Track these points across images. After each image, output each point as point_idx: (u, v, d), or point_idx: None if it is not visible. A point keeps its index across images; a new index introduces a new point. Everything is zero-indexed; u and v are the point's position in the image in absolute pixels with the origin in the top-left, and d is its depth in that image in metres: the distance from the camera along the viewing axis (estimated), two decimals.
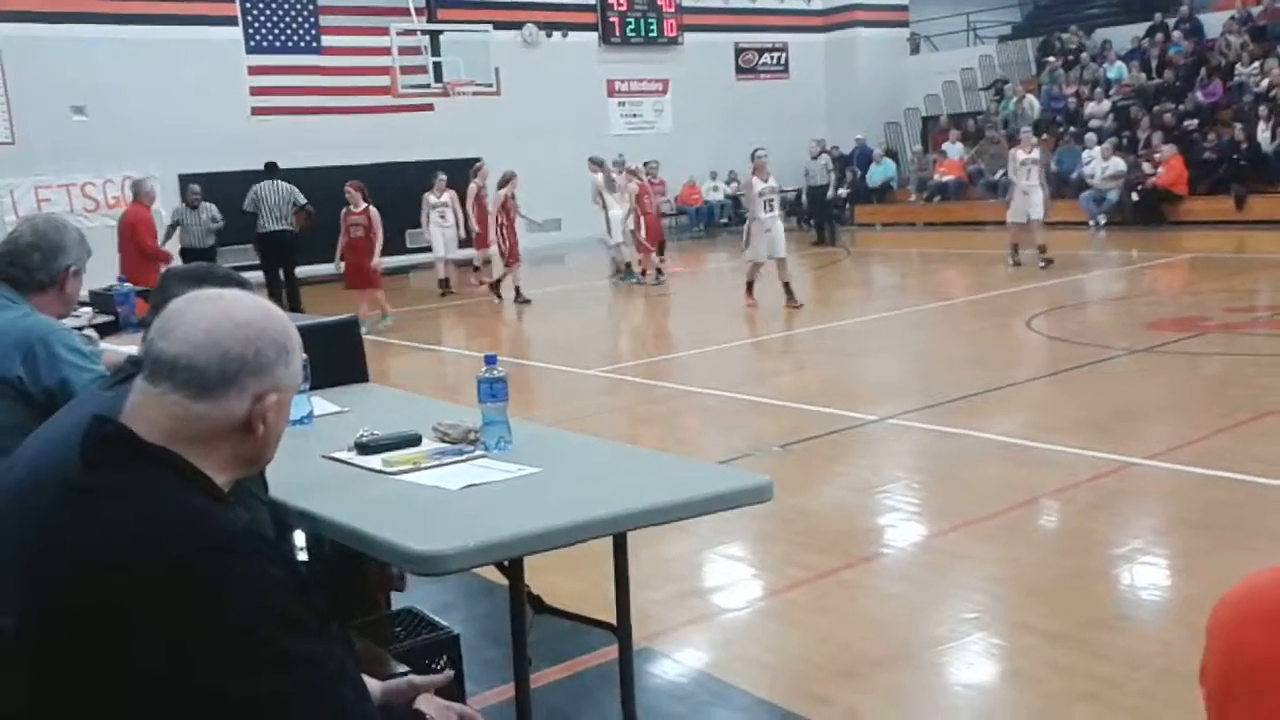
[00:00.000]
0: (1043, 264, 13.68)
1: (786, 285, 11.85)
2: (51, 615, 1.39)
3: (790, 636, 4.03)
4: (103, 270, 6.00)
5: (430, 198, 15.26)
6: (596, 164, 15.55)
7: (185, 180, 14.10)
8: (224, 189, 13.78)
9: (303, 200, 13.15)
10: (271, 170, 13.52)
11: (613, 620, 2.97)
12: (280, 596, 1.38)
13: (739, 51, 24.08)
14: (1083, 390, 7.50)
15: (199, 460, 1.48)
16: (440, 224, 15.21)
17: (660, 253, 15.50)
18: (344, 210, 12.22)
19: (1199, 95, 19.16)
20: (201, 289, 1.62)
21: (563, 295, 14.92)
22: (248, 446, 1.53)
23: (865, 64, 24.48)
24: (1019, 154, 14.23)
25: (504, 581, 2.64)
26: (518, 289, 13.83)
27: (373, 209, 12.10)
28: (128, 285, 5.53)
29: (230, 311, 1.52)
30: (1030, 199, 13.95)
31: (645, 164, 17.05)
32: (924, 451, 6.48)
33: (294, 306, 11.97)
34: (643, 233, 14.93)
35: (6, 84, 16.24)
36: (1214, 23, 20.83)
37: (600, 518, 2.39)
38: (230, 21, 17.96)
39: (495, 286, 14.28)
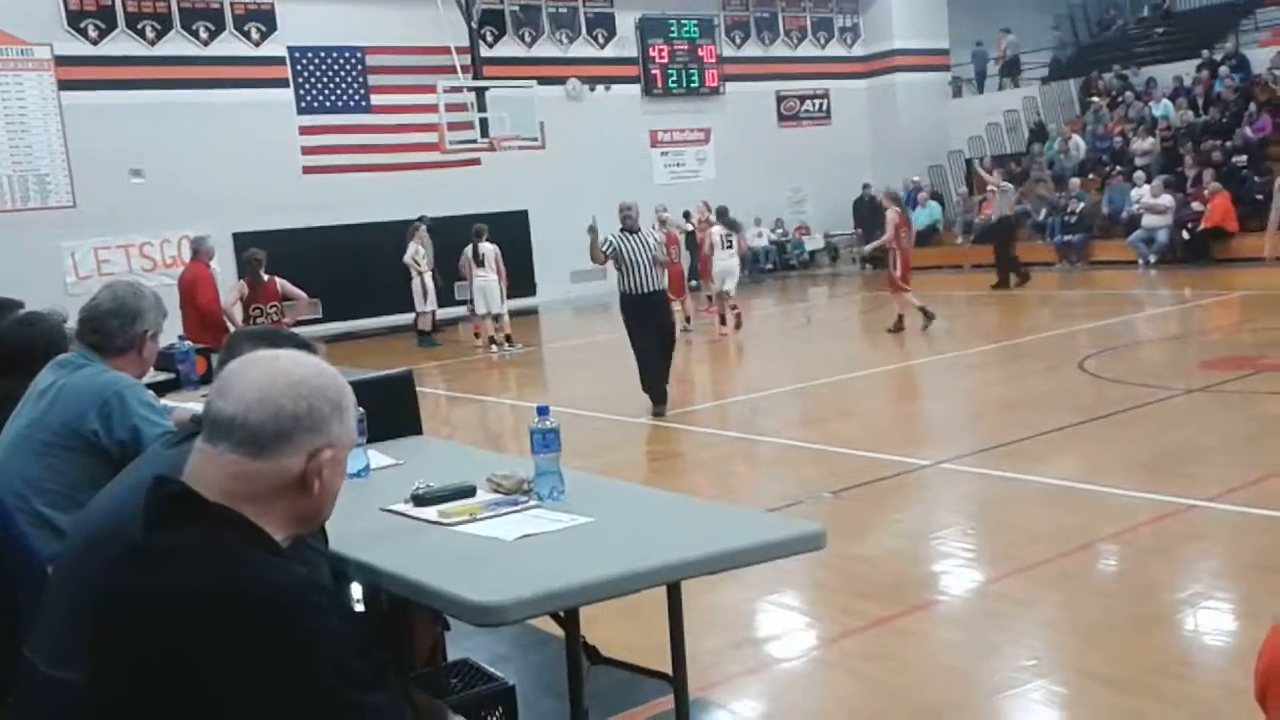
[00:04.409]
0: None
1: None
2: (118, 668, 1.43)
3: (846, 686, 3.99)
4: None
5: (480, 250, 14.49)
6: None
7: (240, 240, 14.40)
8: (279, 246, 14.06)
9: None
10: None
11: (668, 670, 2.96)
12: (342, 649, 1.41)
13: (780, 99, 24.23)
14: (1138, 432, 7.39)
15: (258, 518, 1.52)
16: (484, 276, 14.51)
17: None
18: None
19: (1248, 131, 18.98)
20: (264, 349, 1.67)
21: (608, 344, 14.96)
22: (304, 503, 1.56)
23: (907, 108, 24.53)
24: None
25: (559, 632, 2.65)
26: (923, 309, 13.00)
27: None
28: (188, 343, 5.66)
29: (284, 370, 1.56)
30: None
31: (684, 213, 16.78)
32: (978, 496, 6.41)
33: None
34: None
35: (69, 149, 16.74)
36: (1261, 57, 20.66)
37: (654, 567, 2.41)
38: (282, 84, 18.45)
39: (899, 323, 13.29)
